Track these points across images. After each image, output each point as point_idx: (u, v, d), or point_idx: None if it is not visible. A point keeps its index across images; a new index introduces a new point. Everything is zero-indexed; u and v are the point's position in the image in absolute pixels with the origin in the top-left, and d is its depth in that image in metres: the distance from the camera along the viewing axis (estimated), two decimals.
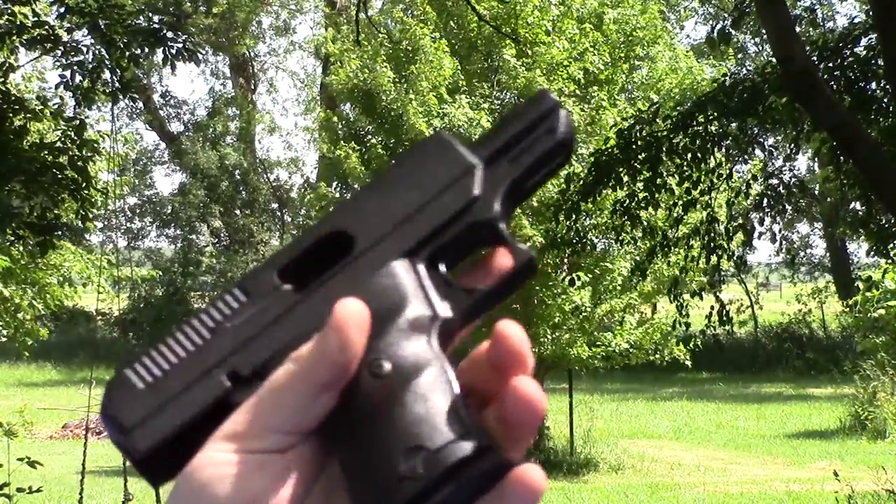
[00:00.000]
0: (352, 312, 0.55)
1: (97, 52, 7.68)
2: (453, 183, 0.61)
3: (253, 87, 35.68)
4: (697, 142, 7.92)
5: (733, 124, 8.14)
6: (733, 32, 9.44)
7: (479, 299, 0.59)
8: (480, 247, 0.61)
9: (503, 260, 0.61)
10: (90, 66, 7.64)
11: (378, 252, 0.59)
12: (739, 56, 29.56)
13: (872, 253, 9.40)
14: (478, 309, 0.59)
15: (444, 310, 0.58)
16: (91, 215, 8.24)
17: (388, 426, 0.53)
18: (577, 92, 14.26)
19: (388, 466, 0.52)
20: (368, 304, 0.56)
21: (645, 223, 8.70)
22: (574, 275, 11.55)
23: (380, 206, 0.61)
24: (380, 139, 15.05)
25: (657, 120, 8.15)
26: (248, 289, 0.60)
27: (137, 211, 34.56)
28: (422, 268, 0.59)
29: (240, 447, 0.54)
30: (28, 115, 7.76)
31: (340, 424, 0.55)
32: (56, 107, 8.48)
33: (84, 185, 7.62)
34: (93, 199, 7.98)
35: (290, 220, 33.24)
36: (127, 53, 7.53)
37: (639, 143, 7.92)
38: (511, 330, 0.56)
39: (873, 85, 7.72)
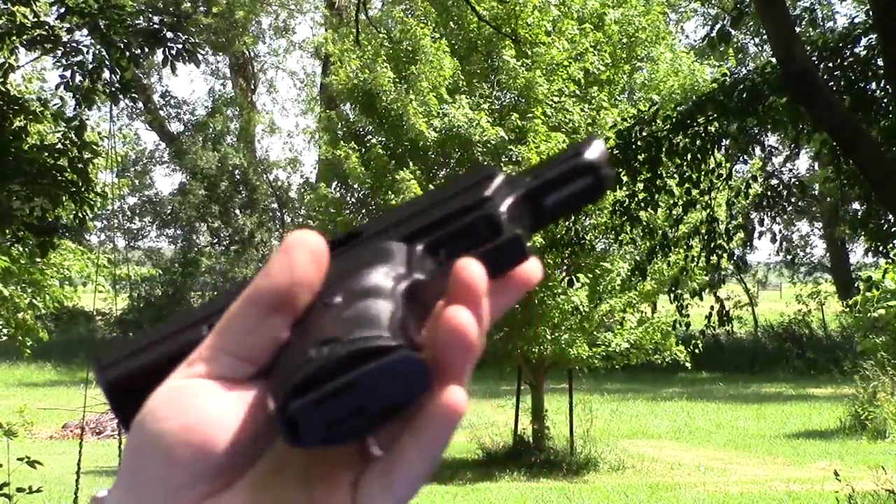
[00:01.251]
0: (303, 238, 0.55)
1: (97, 52, 7.68)
2: (469, 187, 0.61)
3: (253, 88, 35.69)
4: (697, 142, 7.92)
5: (733, 124, 8.14)
6: (733, 32, 9.44)
7: None
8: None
9: (522, 269, 0.59)
10: (90, 66, 7.65)
11: (378, 238, 0.60)
12: (739, 56, 29.54)
13: (871, 253, 9.40)
14: None
15: (420, 274, 0.57)
16: (90, 217, 8.24)
17: (317, 328, 0.53)
18: (578, 92, 14.26)
19: (299, 355, 0.52)
20: (348, 264, 0.56)
21: (645, 223, 8.70)
22: (574, 275, 11.55)
23: (397, 210, 0.62)
24: (380, 139, 15.04)
25: (657, 120, 8.15)
26: None
27: (137, 211, 34.57)
28: (418, 248, 0.58)
29: (191, 373, 0.54)
30: (28, 117, 7.75)
31: None
32: (56, 108, 8.47)
33: (84, 187, 7.62)
34: (92, 202, 7.97)
35: (289, 220, 33.24)
36: (127, 54, 7.54)
37: (638, 143, 7.92)
38: (469, 264, 0.54)
39: (873, 85, 7.72)
